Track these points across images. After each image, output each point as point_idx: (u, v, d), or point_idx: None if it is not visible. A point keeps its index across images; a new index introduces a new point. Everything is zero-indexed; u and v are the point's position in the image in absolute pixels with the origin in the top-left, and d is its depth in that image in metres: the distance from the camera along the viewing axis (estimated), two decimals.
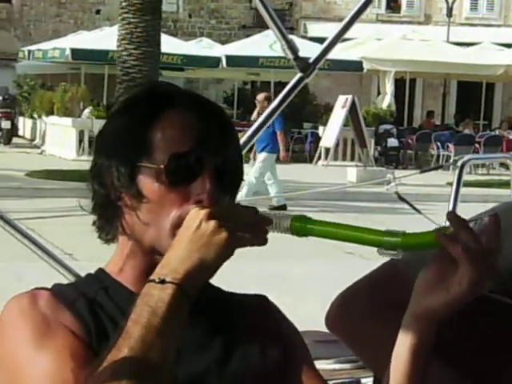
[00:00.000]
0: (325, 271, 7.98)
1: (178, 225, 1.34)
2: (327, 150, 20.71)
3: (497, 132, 23.73)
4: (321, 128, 22.04)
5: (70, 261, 8.45)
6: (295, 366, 1.48)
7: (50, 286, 1.46)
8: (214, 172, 1.38)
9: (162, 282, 1.26)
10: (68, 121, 20.91)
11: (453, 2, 28.26)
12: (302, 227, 1.33)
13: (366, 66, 23.56)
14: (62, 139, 21.35)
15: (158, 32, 16.58)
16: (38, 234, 8.68)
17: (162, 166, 1.36)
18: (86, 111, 21.20)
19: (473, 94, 28.82)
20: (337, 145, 20.93)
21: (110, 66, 21.13)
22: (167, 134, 1.39)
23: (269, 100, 13.41)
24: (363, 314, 1.59)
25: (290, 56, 2.51)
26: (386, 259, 1.58)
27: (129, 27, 16.25)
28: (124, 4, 16.41)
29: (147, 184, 1.38)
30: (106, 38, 20.84)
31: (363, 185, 13.18)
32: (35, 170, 16.49)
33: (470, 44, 25.60)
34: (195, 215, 1.30)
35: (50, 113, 22.65)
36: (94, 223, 1.46)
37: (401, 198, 4.28)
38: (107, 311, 1.41)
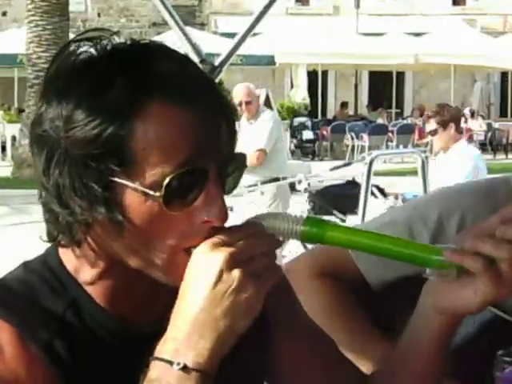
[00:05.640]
0: None
1: (180, 249, 1.05)
2: None
3: (409, 120, 24.09)
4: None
5: None
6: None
7: None
8: (219, 180, 1.06)
9: (184, 368, 0.98)
10: None
11: None
12: (318, 234, 1.09)
13: (278, 59, 23.64)
14: None
15: (67, 33, 16.42)
16: None
17: (157, 194, 1.01)
18: None
19: (384, 83, 29.20)
20: None
21: (19, 69, 20.75)
22: (156, 138, 1.01)
23: None
24: (304, 282, 1.62)
25: (196, 59, 2.51)
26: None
27: (36, 30, 16.04)
28: (30, 7, 16.18)
29: (131, 206, 1.03)
30: (13, 40, 20.43)
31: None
32: None
33: (379, 34, 25.91)
34: (210, 260, 0.99)
35: None
36: (48, 229, 1.12)
37: (311, 199, 4.34)
38: (79, 338, 1.11)
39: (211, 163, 1.04)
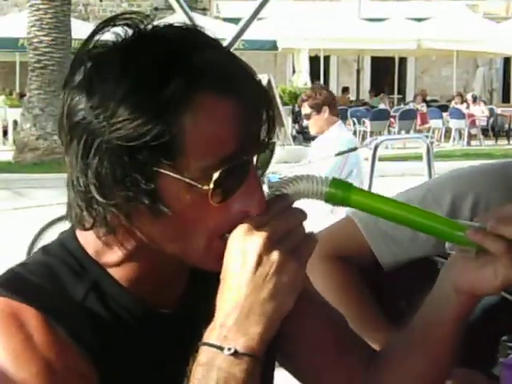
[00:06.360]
0: None
1: (215, 236, 1.05)
2: None
3: (411, 105, 24.06)
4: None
5: None
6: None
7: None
8: (257, 170, 1.07)
9: (235, 353, 0.99)
10: None
11: None
12: (343, 197, 1.09)
13: (280, 44, 23.60)
14: None
15: (69, 17, 16.40)
16: None
17: (205, 187, 1.02)
18: None
19: (386, 68, 29.15)
20: None
21: (21, 53, 20.72)
22: (204, 131, 1.01)
23: None
24: (314, 263, 1.65)
25: None
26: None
27: (38, 13, 16.01)
28: None
29: (174, 197, 1.03)
30: (15, 24, 20.42)
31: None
32: None
33: (382, 19, 25.85)
34: (248, 245, 1.00)
35: None
36: (71, 209, 1.08)
37: None
38: (101, 319, 1.10)
39: (252, 154, 1.06)
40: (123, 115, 1.00)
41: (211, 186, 1.02)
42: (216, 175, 1.01)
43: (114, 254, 1.12)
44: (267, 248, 1.00)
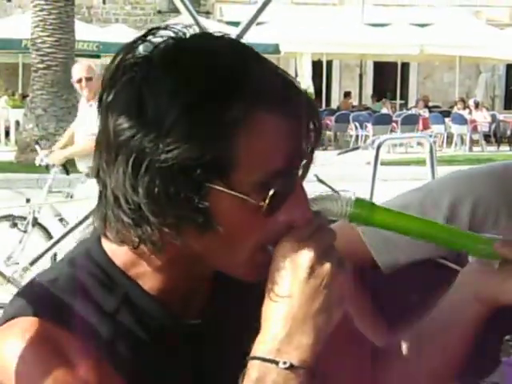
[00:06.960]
0: None
1: (258, 247, 1.04)
2: None
3: (413, 111, 24.05)
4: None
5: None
6: None
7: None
8: (302, 179, 1.07)
9: (290, 366, 0.98)
10: None
11: None
12: (366, 216, 1.12)
13: (282, 48, 23.59)
14: None
15: (72, 18, 16.42)
16: None
17: (261, 203, 1.00)
18: (1, 101, 20.78)
19: (389, 74, 29.15)
20: None
21: (24, 54, 20.74)
22: (257, 147, 1.00)
23: None
24: None
25: None
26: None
27: (42, 14, 16.02)
28: None
29: (225, 212, 1.01)
30: (18, 26, 20.44)
31: None
32: None
33: (385, 25, 25.84)
34: (300, 257, 1.00)
35: None
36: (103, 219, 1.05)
37: (320, 181, 4.33)
38: (133, 332, 1.08)
39: (300, 166, 1.06)
40: (178, 135, 0.97)
41: (267, 201, 1.01)
42: (271, 192, 1.00)
43: (145, 266, 1.09)
44: (319, 259, 1.00)
